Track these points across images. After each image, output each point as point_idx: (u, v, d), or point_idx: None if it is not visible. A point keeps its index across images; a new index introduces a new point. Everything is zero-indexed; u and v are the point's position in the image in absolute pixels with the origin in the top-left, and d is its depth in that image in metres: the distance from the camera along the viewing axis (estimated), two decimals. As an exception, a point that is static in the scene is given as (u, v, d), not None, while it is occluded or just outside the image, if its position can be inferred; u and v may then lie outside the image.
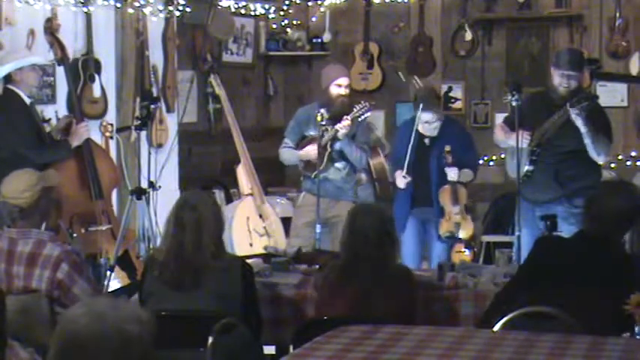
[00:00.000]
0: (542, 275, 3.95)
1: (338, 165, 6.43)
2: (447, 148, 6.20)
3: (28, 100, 5.87)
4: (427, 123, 6.31)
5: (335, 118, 6.30)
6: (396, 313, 3.94)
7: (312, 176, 6.39)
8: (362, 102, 6.43)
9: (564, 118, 5.84)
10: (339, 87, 6.40)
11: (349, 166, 6.47)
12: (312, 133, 6.46)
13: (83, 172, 6.21)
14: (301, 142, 6.54)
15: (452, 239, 6.27)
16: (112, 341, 2.07)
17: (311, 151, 6.37)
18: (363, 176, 7.21)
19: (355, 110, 6.34)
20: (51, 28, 6.42)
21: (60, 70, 6.57)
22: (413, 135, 6.29)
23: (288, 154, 6.62)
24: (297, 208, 6.74)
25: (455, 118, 6.89)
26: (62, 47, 6.37)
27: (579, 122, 5.77)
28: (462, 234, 6.28)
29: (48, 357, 2.14)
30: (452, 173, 6.23)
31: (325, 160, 6.36)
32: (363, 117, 6.43)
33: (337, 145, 6.36)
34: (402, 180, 6.31)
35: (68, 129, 6.11)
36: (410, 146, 6.29)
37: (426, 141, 6.37)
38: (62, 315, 2.20)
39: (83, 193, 6.21)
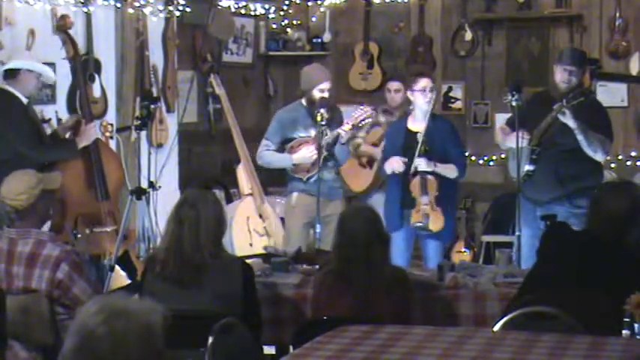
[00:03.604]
0: (545, 275, 3.95)
1: (329, 164, 6.37)
2: (423, 137, 6.05)
3: (25, 100, 5.85)
4: (423, 91, 6.06)
5: (315, 119, 6.19)
6: (393, 315, 3.94)
7: (304, 179, 6.35)
8: (362, 106, 6.35)
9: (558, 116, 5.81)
10: (321, 92, 6.28)
11: (336, 164, 6.45)
12: (301, 135, 6.37)
13: (89, 173, 6.17)
14: (288, 145, 6.39)
15: (424, 230, 6.15)
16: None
17: (307, 154, 6.30)
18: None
19: (357, 115, 6.28)
20: (64, 26, 6.39)
21: (60, 71, 6.55)
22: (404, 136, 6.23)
23: (273, 157, 6.45)
24: (291, 209, 6.56)
25: (445, 116, 6.81)
26: (75, 45, 6.35)
27: (568, 119, 5.75)
28: (432, 226, 6.14)
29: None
30: (423, 163, 6.10)
31: (321, 161, 6.28)
32: (364, 122, 6.40)
33: (333, 147, 6.28)
34: (400, 164, 6.04)
35: (75, 128, 6.08)
36: (413, 149, 6.18)
37: (418, 136, 6.15)
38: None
39: (89, 193, 6.17)
